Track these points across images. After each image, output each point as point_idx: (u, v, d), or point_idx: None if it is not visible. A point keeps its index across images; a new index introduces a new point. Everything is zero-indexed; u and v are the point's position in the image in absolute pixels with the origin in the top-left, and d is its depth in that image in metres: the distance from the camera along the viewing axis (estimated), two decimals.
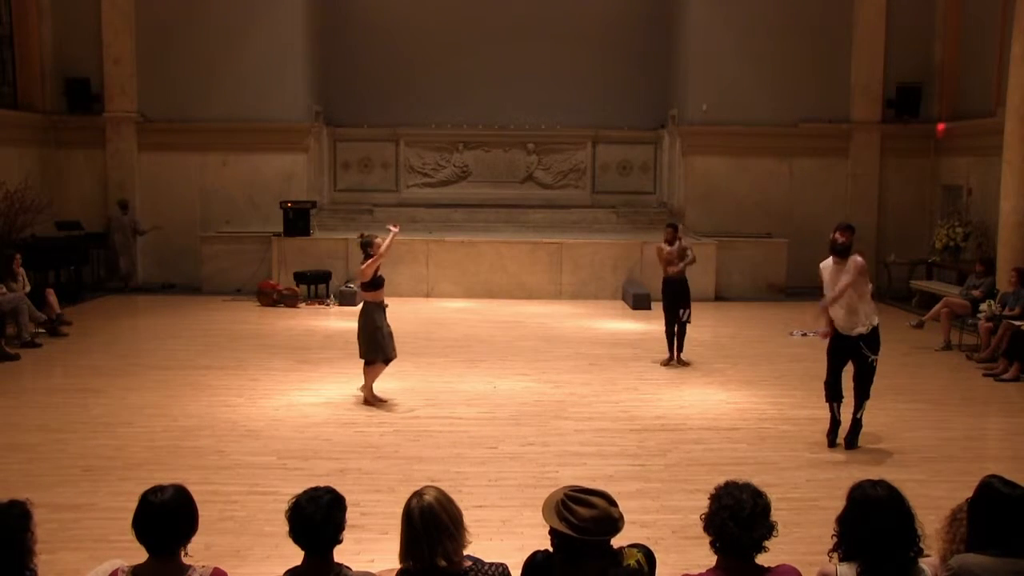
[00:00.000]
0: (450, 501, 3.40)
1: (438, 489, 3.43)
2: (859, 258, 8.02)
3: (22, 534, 3.31)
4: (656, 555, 3.59)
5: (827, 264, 8.12)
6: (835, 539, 3.50)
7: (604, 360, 11.50)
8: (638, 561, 3.38)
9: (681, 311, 11.38)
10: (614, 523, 3.30)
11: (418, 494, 3.38)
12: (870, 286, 8.15)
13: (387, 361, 9.47)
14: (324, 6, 19.30)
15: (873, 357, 8.02)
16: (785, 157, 18.11)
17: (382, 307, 9.50)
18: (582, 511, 3.29)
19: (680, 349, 11.47)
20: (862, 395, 8.11)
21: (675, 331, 11.44)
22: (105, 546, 5.49)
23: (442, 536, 3.30)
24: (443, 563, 3.29)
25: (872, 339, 8.00)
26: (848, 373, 8.19)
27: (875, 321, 8.03)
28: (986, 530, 3.47)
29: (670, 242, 11.55)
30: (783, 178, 18.16)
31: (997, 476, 3.60)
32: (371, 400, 9.36)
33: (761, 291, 16.95)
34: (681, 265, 11.45)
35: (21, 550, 3.30)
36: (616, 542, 3.45)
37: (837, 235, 8.02)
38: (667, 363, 11.39)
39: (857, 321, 7.97)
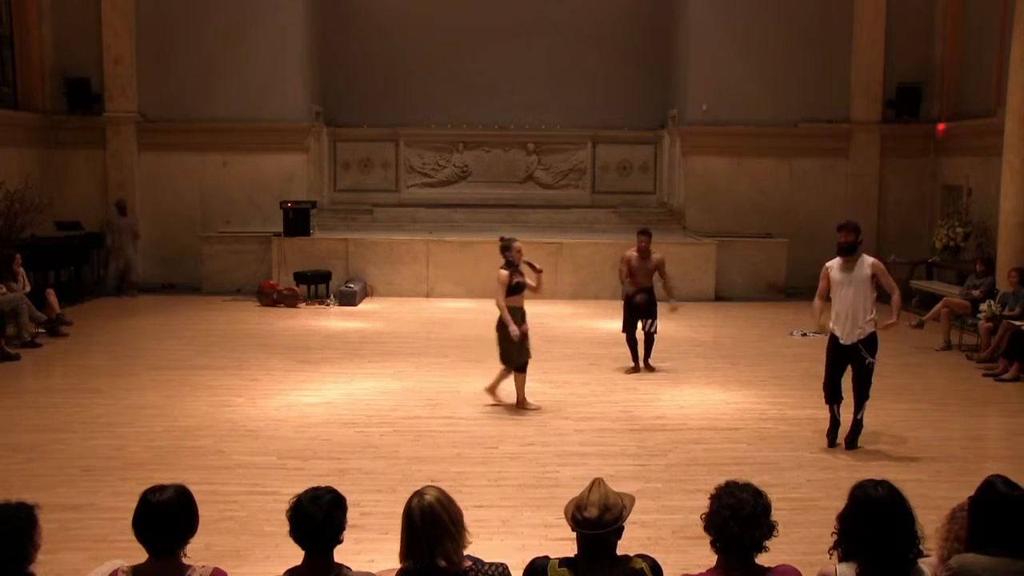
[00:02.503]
0: (451, 501, 3.40)
1: (439, 489, 3.43)
2: (877, 261, 8.05)
3: (25, 537, 3.30)
4: (656, 555, 3.59)
5: (835, 264, 8.09)
6: (835, 537, 3.51)
7: (604, 360, 11.49)
8: (642, 569, 3.39)
9: (648, 322, 10.99)
10: (611, 509, 3.35)
11: (419, 494, 3.38)
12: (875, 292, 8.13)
13: (514, 368, 9.27)
14: (324, 6, 19.29)
15: (871, 359, 8.02)
16: (785, 157, 18.11)
17: (515, 312, 9.17)
18: (588, 494, 3.39)
19: (648, 355, 11.12)
20: (862, 396, 8.10)
21: (636, 339, 11.08)
22: (105, 546, 5.49)
23: (442, 536, 3.30)
24: (443, 563, 3.29)
25: (870, 342, 8.00)
26: (847, 375, 8.18)
27: (873, 327, 8.01)
28: (987, 530, 3.48)
29: (643, 251, 10.96)
30: (783, 178, 18.16)
31: (999, 476, 3.60)
32: (522, 403, 9.35)
33: (761, 291, 16.95)
34: (654, 278, 11.01)
35: (21, 553, 3.29)
36: (621, 550, 3.46)
37: (840, 234, 8.01)
38: (633, 371, 11.01)
39: (859, 327, 7.95)
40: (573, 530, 3.42)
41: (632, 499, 3.49)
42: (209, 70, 17.64)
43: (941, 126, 17.43)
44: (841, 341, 8.03)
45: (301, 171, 18.16)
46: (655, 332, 11.09)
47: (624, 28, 19.58)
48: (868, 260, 7.99)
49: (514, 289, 9.15)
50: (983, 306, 12.31)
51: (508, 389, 9.49)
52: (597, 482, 3.45)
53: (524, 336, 9.17)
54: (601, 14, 19.45)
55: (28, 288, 12.80)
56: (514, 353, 9.20)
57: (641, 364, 11.10)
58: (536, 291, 9.37)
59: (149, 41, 17.57)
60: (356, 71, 19.49)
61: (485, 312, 14.96)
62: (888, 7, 17.59)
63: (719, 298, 16.58)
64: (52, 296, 13.09)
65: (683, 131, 18.38)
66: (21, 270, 12.84)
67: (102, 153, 17.65)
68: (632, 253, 11.08)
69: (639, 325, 11.05)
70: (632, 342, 11.15)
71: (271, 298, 15.62)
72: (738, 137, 17.92)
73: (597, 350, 12.09)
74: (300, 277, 16.18)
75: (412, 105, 19.47)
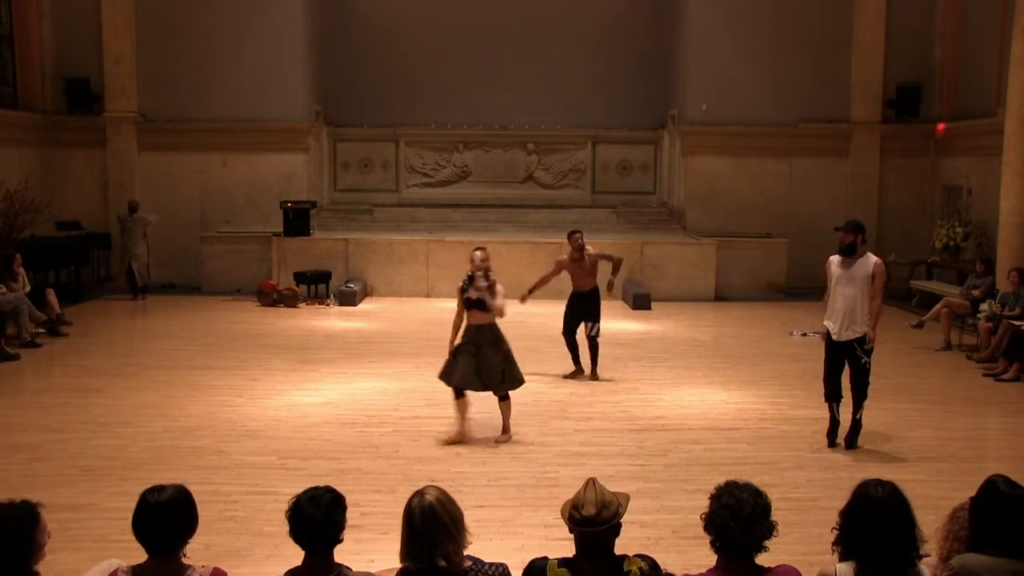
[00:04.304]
0: (451, 501, 3.40)
1: (439, 489, 3.43)
2: (879, 261, 8.01)
3: (25, 536, 3.29)
4: (656, 555, 3.59)
5: (835, 259, 8.09)
6: (835, 532, 3.52)
7: (604, 360, 11.43)
8: (641, 569, 3.39)
9: (589, 325, 10.49)
10: (608, 506, 3.36)
11: (419, 493, 3.38)
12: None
13: (453, 390, 8.24)
14: (324, 6, 19.29)
15: (866, 359, 7.99)
16: (785, 157, 18.11)
17: (468, 329, 8.18)
18: (583, 493, 3.40)
19: (594, 364, 10.57)
20: (860, 396, 8.09)
21: (576, 342, 10.61)
22: (105, 546, 5.48)
23: (442, 536, 3.30)
24: (443, 563, 3.29)
25: (866, 342, 7.97)
26: (846, 374, 8.17)
27: (869, 327, 7.96)
28: (988, 530, 3.48)
29: (579, 250, 10.55)
30: (783, 178, 18.16)
31: (1001, 476, 3.60)
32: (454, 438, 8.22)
33: (761, 291, 16.95)
34: (609, 271, 10.65)
35: (25, 552, 3.29)
36: (620, 550, 3.46)
37: (840, 235, 8.02)
38: (572, 375, 10.59)
39: (855, 325, 7.94)
40: (571, 530, 3.43)
41: (627, 497, 3.50)
42: (209, 70, 17.64)
43: (941, 126, 17.43)
44: (834, 337, 8.03)
45: (301, 171, 18.16)
46: (597, 336, 10.60)
47: (624, 28, 19.57)
48: (872, 259, 7.97)
49: (466, 305, 8.08)
50: (983, 306, 12.31)
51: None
52: (591, 481, 3.46)
53: (458, 355, 8.10)
54: (601, 14, 19.45)
55: (28, 288, 12.80)
56: (444, 369, 8.26)
57: (587, 372, 10.59)
58: (495, 313, 8.03)
59: (149, 41, 17.58)
60: (356, 71, 19.49)
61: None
62: (888, 7, 17.60)
63: (719, 298, 16.58)
64: (52, 296, 13.08)
65: (683, 131, 18.38)
66: (21, 270, 12.83)
67: (102, 153, 17.66)
68: (564, 258, 10.68)
69: (582, 328, 10.62)
70: (572, 344, 10.70)
71: (271, 298, 15.62)
72: (738, 137, 17.92)
73: None
74: (300, 277, 16.18)
75: (412, 105, 19.47)
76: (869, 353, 7.99)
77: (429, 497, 3.35)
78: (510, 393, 8.29)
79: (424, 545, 3.29)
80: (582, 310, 10.65)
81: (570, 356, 10.73)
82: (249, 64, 17.66)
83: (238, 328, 13.65)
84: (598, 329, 10.63)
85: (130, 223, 16.42)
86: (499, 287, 8.03)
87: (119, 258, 16.90)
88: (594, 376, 10.62)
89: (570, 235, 10.85)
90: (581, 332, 10.70)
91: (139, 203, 16.68)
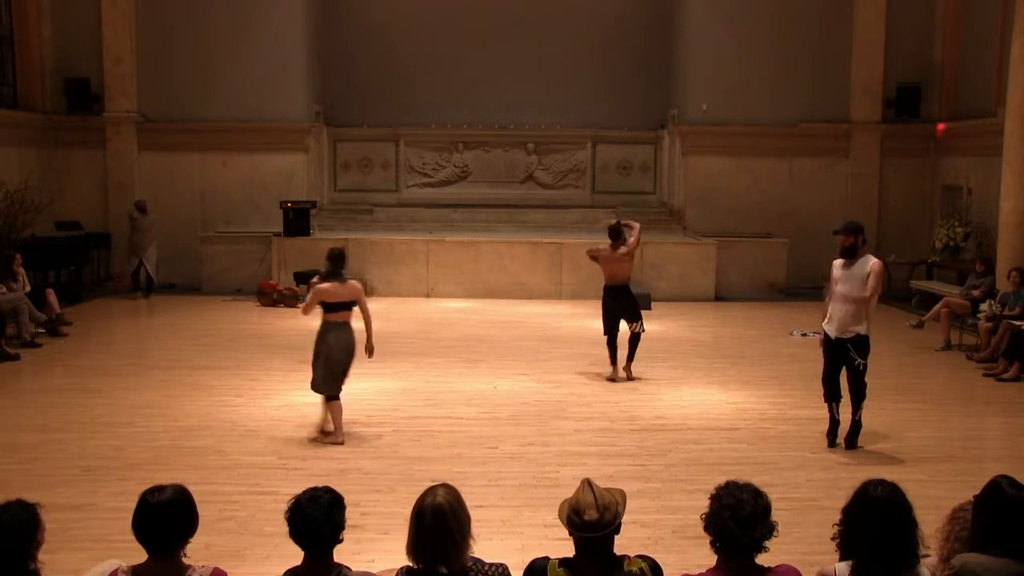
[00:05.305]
0: (461, 505, 3.39)
1: (450, 490, 3.42)
2: (878, 262, 7.99)
3: (26, 535, 3.30)
4: (656, 555, 3.59)
5: (837, 262, 8.09)
6: (836, 528, 3.52)
7: (604, 360, 11.45)
8: (641, 569, 3.38)
9: (633, 323, 10.44)
10: (607, 507, 3.35)
11: (432, 492, 3.38)
12: (878, 293, 8.09)
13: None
14: (324, 6, 19.29)
15: (860, 360, 7.98)
16: (785, 157, 18.11)
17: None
18: (582, 496, 3.38)
19: (631, 359, 10.54)
20: (858, 397, 8.08)
21: (616, 342, 10.50)
22: (105, 546, 5.49)
23: (446, 544, 3.30)
24: (443, 571, 3.30)
25: (860, 343, 7.96)
26: (845, 375, 8.18)
27: (864, 330, 7.93)
28: (990, 530, 3.47)
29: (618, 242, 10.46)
30: (783, 178, 18.16)
31: (1006, 476, 3.60)
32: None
33: (761, 291, 16.95)
34: (629, 253, 10.47)
35: (23, 551, 3.29)
36: (621, 550, 3.46)
37: (840, 238, 8.02)
38: (612, 378, 10.48)
39: (851, 325, 7.93)
40: (571, 534, 3.42)
41: (623, 494, 3.48)
42: (209, 70, 17.63)
43: (941, 126, 17.43)
44: (831, 335, 8.03)
45: (301, 171, 18.15)
46: (642, 332, 10.59)
47: (624, 28, 19.57)
48: (871, 260, 7.96)
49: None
50: (983, 306, 12.31)
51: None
52: (587, 483, 3.44)
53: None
54: (601, 14, 19.44)
55: (28, 288, 12.79)
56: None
57: (620, 370, 10.56)
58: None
59: (149, 41, 17.57)
60: (356, 71, 19.49)
61: (485, 312, 15.04)
62: (888, 7, 17.59)
63: (719, 298, 16.58)
64: (52, 296, 13.08)
65: (683, 131, 18.38)
66: (21, 270, 12.83)
67: (102, 153, 17.64)
68: (601, 246, 10.65)
69: (622, 326, 10.55)
70: (612, 343, 10.62)
71: (271, 298, 15.62)
72: (738, 137, 17.91)
73: (597, 350, 12.04)
74: (300, 277, 16.16)
75: (412, 105, 19.47)
76: (864, 355, 7.98)
77: (439, 499, 3.34)
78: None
79: (428, 549, 3.30)
80: (619, 305, 10.55)
81: (608, 357, 10.59)
82: (249, 64, 17.66)
83: (238, 328, 13.66)
84: (641, 324, 10.53)
85: (144, 222, 16.40)
86: (317, 286, 8.11)
87: (124, 257, 16.91)
88: (628, 372, 10.56)
89: (617, 226, 10.69)
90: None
91: (146, 202, 16.70)
